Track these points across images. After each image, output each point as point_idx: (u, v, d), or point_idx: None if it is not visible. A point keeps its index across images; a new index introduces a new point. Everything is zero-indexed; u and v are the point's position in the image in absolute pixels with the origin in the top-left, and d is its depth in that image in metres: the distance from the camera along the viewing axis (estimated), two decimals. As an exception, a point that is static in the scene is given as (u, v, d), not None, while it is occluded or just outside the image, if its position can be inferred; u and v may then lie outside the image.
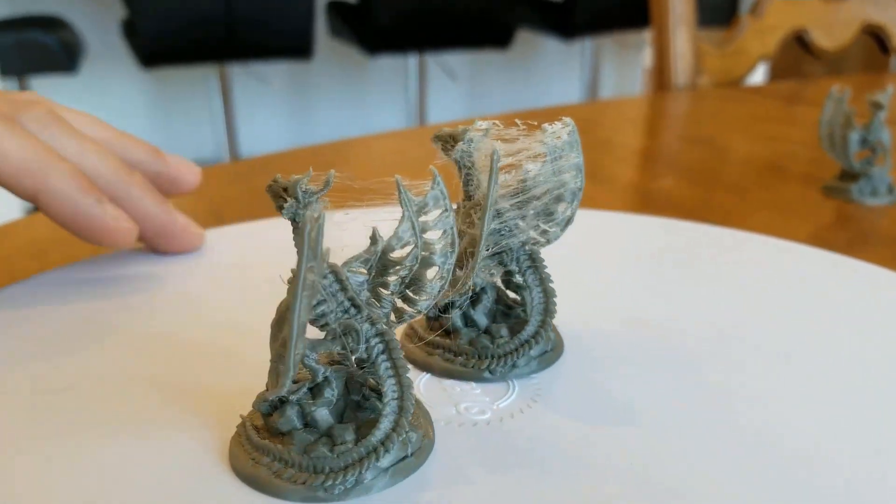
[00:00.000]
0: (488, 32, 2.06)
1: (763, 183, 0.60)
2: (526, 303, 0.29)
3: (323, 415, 0.23)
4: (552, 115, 0.29)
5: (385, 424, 0.23)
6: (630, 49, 2.70)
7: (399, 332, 0.31)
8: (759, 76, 1.17)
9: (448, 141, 0.28)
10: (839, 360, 0.32)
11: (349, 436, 0.23)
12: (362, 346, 0.23)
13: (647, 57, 2.56)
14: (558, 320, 0.30)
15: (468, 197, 0.28)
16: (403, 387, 0.23)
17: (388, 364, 0.23)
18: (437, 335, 0.29)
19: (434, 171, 0.24)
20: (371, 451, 0.22)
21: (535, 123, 0.27)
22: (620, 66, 2.76)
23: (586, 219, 0.44)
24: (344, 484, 0.22)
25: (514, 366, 0.29)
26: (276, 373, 0.22)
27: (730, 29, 1.00)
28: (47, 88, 2.11)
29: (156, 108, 2.35)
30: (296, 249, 0.20)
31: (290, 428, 0.23)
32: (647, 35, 2.36)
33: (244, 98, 2.32)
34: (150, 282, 0.38)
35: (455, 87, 2.57)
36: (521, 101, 2.63)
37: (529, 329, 0.29)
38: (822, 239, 0.49)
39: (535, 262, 0.29)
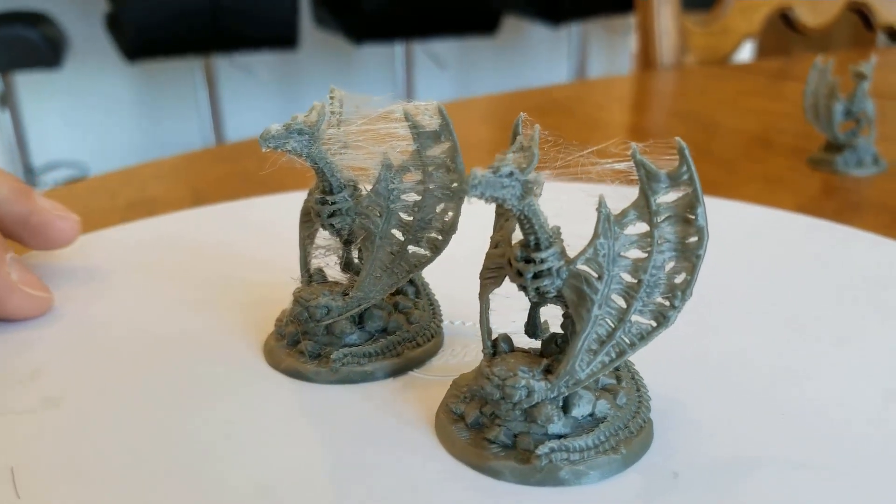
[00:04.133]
0: (475, 19, 2.05)
1: (750, 156, 0.60)
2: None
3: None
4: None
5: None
6: (617, 34, 2.69)
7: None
8: (745, 54, 1.17)
9: (279, 137, 0.26)
10: (848, 323, 0.32)
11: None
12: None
13: (634, 41, 2.55)
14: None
15: (327, 191, 0.28)
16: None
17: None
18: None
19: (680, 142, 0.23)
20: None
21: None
22: (608, 50, 2.75)
23: (573, 191, 0.44)
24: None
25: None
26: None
27: (715, 7, 1.00)
28: (31, 84, 2.09)
29: (141, 102, 2.34)
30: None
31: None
32: (633, 20, 2.35)
33: (230, 90, 2.31)
34: (133, 262, 0.38)
35: (443, 75, 2.56)
36: (509, 89, 2.62)
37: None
38: (809, 209, 0.49)
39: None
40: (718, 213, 0.44)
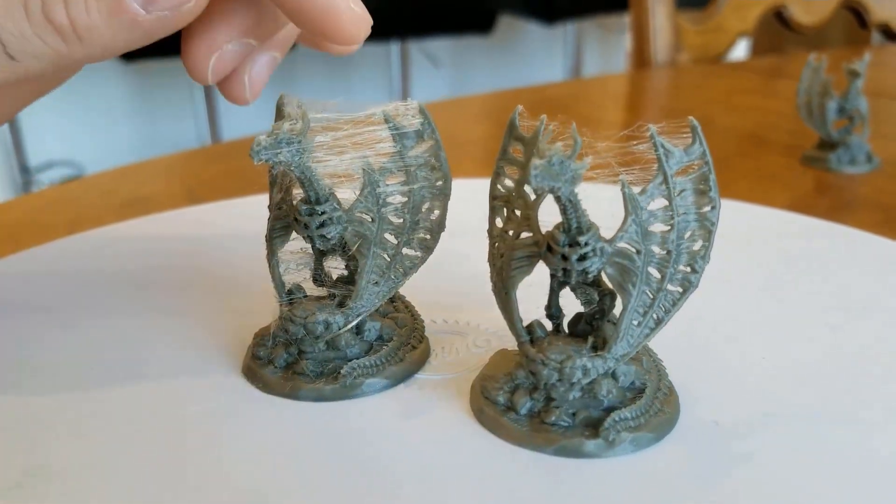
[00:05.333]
0: (470, 18, 2.05)
1: (743, 153, 0.60)
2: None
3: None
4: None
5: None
6: (613, 32, 2.69)
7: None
8: (740, 52, 1.17)
9: (272, 147, 0.25)
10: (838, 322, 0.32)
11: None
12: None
13: (628, 40, 2.55)
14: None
15: (314, 201, 0.27)
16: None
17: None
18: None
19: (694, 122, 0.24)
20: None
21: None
22: (603, 49, 2.76)
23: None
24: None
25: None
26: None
27: (709, 6, 1.00)
28: (27, 84, 2.09)
29: (137, 102, 2.33)
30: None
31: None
32: (628, 18, 2.35)
33: (226, 89, 2.30)
34: (134, 257, 0.38)
35: (438, 74, 2.56)
36: (504, 87, 2.62)
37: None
38: (802, 207, 0.49)
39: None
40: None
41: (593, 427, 0.25)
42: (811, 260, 0.38)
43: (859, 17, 1.08)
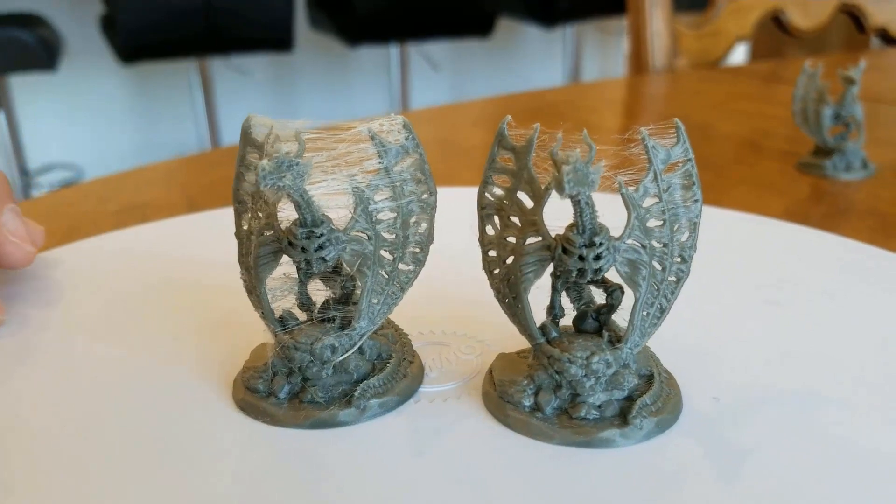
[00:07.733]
0: (469, 21, 2.05)
1: (739, 160, 0.60)
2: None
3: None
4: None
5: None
6: (612, 35, 2.70)
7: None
8: (738, 57, 1.17)
9: (276, 172, 0.24)
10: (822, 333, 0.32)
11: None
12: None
13: (627, 44, 2.55)
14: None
15: (310, 224, 0.26)
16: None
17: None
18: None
19: (678, 122, 0.26)
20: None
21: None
22: (602, 52, 2.76)
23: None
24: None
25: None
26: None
27: (707, 10, 1.00)
28: (27, 86, 2.09)
29: (137, 104, 2.34)
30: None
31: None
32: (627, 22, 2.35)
33: (226, 91, 2.30)
34: (130, 267, 0.38)
35: (437, 76, 2.57)
36: (503, 90, 2.62)
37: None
38: (798, 214, 0.49)
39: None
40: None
41: (621, 416, 0.26)
42: (800, 268, 0.38)
43: (857, 22, 1.09)
